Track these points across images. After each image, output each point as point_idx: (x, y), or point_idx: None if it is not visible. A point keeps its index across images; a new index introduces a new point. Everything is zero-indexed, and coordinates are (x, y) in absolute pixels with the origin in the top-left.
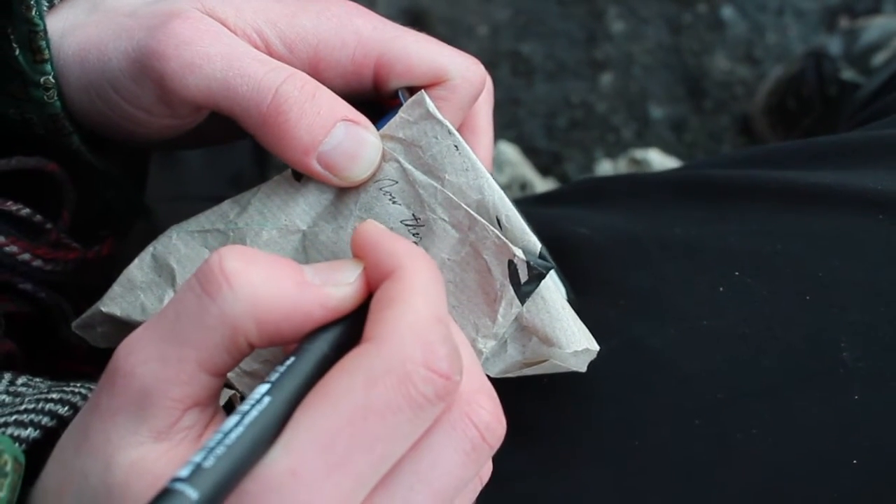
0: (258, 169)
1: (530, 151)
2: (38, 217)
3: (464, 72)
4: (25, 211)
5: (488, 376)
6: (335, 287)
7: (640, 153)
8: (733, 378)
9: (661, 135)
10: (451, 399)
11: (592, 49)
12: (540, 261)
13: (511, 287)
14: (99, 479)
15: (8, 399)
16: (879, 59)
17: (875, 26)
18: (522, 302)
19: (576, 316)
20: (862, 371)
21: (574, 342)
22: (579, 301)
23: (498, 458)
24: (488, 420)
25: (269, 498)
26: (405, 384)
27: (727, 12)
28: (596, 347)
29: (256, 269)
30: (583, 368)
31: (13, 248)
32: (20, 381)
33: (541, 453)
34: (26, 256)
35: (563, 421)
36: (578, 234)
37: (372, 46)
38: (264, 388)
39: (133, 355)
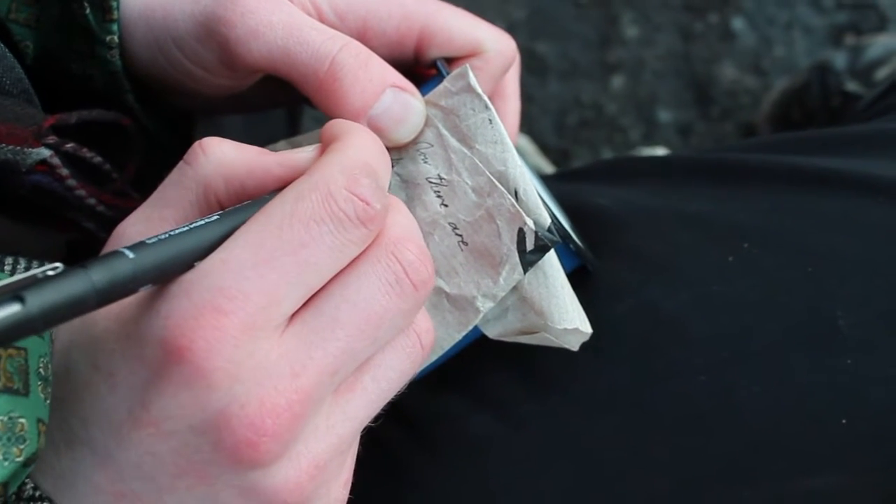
0: (291, 136)
1: (540, 148)
2: (107, 166)
3: (498, 45)
4: (97, 159)
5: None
6: (294, 153)
7: (647, 151)
8: (738, 339)
9: (668, 138)
10: (374, 227)
11: (605, 52)
12: (547, 234)
13: (517, 253)
14: None
15: None
16: (882, 73)
17: (879, 44)
18: (525, 270)
19: (574, 297)
20: (855, 338)
21: (567, 320)
22: (599, 265)
23: (513, 402)
24: (412, 259)
25: (200, 281)
26: (328, 200)
27: (737, 24)
28: (589, 330)
29: (228, 142)
30: (574, 347)
31: (82, 193)
32: None
33: (554, 401)
34: (92, 201)
35: (576, 373)
36: (599, 204)
37: (415, 19)
38: (217, 214)
39: (126, 220)
